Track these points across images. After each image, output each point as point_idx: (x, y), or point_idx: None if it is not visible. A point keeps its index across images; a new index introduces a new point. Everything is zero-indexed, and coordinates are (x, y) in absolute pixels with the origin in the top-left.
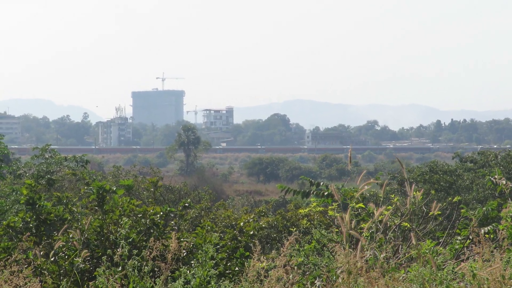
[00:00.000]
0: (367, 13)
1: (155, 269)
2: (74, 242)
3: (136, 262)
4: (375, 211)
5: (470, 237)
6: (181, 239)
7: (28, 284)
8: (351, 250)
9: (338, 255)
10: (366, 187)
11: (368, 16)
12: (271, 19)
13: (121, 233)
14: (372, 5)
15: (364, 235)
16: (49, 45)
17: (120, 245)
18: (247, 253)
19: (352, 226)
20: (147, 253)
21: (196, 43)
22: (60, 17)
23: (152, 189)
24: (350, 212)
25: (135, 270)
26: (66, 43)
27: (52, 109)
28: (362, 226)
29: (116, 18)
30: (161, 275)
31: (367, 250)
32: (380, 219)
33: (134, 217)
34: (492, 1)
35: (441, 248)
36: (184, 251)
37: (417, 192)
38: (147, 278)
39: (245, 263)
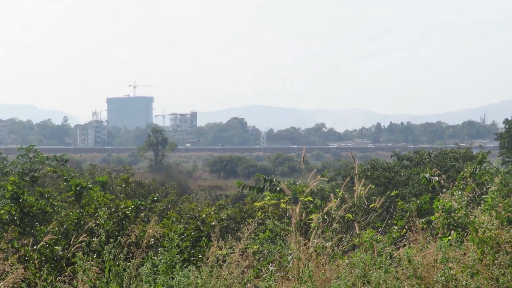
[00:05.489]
0: (313, 26)
1: (128, 255)
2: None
3: (112, 249)
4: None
5: (406, 226)
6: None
7: (13, 270)
8: (301, 238)
9: (290, 243)
10: (314, 183)
11: (317, 31)
12: (228, 31)
13: (99, 222)
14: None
15: (313, 225)
16: (32, 53)
17: (98, 233)
18: (208, 242)
19: (302, 218)
20: (124, 239)
21: (163, 54)
22: (39, 29)
23: (123, 185)
24: (300, 205)
25: (111, 255)
26: (48, 52)
27: (35, 113)
28: (310, 217)
29: (89, 29)
30: (134, 259)
31: (315, 239)
32: (326, 211)
33: (108, 210)
34: (422, 12)
35: (380, 237)
36: (152, 239)
37: (363, 187)
38: (121, 262)
39: (206, 250)
